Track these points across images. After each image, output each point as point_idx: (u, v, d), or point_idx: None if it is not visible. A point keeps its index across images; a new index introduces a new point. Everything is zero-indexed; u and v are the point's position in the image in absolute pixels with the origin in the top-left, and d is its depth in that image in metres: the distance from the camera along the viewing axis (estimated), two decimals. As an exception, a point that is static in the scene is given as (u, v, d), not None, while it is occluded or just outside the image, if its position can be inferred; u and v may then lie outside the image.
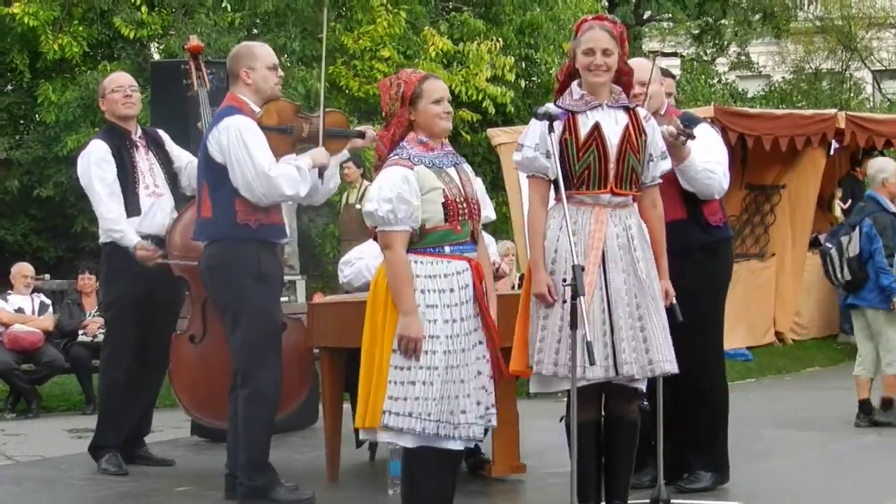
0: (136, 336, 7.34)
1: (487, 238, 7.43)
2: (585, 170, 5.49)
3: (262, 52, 6.66)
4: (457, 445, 5.24)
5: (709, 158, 6.41)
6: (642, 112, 5.69)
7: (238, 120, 6.42)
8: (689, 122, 6.48)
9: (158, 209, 7.38)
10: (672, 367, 5.54)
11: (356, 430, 7.24)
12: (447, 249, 5.25)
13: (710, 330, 6.61)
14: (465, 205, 5.30)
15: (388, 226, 5.17)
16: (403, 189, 5.17)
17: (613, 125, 5.54)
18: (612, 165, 5.50)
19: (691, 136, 6.17)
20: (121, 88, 7.46)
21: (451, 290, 5.22)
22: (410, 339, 5.12)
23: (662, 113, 6.42)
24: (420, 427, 5.12)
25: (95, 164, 7.28)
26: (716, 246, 6.63)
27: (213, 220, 6.49)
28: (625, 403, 5.60)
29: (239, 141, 6.35)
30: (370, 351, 5.23)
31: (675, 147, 6.13)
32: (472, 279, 5.27)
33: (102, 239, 7.40)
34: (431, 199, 5.23)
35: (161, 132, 7.66)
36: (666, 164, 5.74)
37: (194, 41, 7.68)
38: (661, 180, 5.76)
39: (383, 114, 5.41)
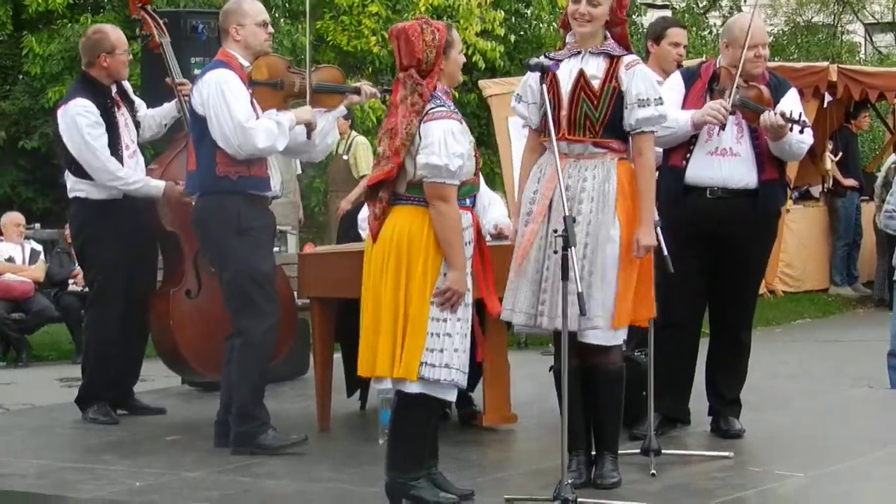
0: (122, 290, 7.26)
1: (495, 196, 7.38)
2: (544, 117, 5.53)
3: (252, 9, 6.60)
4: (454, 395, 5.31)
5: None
6: (627, 59, 5.57)
7: (219, 73, 6.41)
8: (779, 86, 6.48)
9: (138, 167, 7.34)
10: (565, 320, 5.32)
11: (349, 380, 7.32)
12: (467, 202, 5.25)
13: (758, 286, 6.94)
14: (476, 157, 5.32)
15: (452, 179, 5.11)
16: (467, 144, 5.16)
17: (571, 71, 5.53)
18: (563, 112, 5.52)
19: (805, 125, 6.24)
20: (125, 52, 7.33)
21: (469, 243, 5.23)
22: (457, 293, 5.10)
23: (758, 75, 6.41)
24: (458, 379, 5.12)
25: (88, 126, 7.12)
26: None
27: (197, 172, 6.50)
28: (599, 354, 5.54)
29: (218, 93, 6.34)
30: (394, 300, 5.13)
31: (774, 130, 6.20)
32: (473, 234, 5.27)
33: (74, 194, 7.28)
34: (470, 152, 5.22)
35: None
36: (646, 112, 5.51)
37: None
38: (646, 129, 5.55)
39: (416, 60, 5.13)
